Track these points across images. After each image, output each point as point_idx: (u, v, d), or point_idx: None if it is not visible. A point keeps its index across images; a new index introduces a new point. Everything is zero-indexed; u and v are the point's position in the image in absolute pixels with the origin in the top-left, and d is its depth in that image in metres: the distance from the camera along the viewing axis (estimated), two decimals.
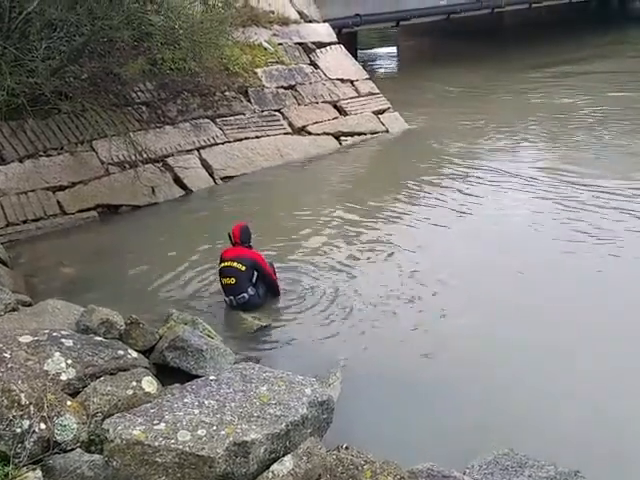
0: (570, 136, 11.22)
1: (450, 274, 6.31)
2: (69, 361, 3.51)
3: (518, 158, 10.18)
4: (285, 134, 10.60)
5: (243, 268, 5.76)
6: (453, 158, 10.11)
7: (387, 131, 11.72)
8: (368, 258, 6.87)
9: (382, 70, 20.00)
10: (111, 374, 3.54)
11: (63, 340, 3.78)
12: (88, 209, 7.88)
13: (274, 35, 11.92)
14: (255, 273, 5.82)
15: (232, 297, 5.76)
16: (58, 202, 7.77)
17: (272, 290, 6.01)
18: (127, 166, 8.38)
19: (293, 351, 5.24)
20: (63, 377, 3.42)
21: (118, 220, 7.93)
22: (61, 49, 7.69)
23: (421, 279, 6.26)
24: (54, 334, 3.87)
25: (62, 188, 7.89)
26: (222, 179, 9.33)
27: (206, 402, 3.12)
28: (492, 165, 9.75)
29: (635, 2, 25.70)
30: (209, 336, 4.87)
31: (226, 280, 5.79)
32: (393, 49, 23.38)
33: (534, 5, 20.16)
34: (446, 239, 7.26)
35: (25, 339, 3.65)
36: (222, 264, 5.85)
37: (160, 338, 4.44)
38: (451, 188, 8.82)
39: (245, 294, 5.74)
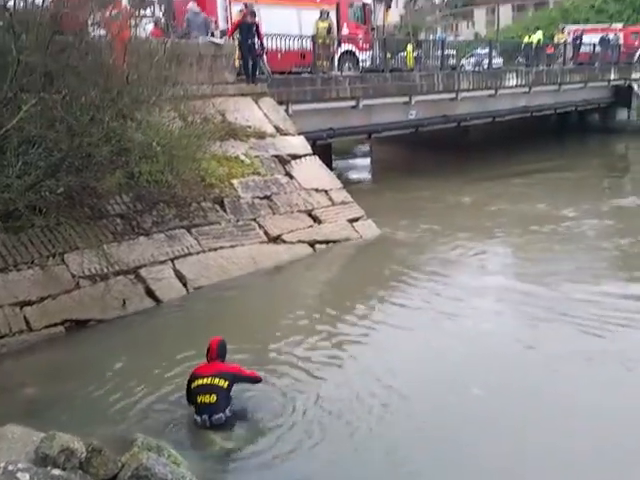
0: (541, 245, 11.44)
1: (420, 385, 6.32)
2: None
3: (488, 270, 10.28)
4: (260, 243, 10.68)
5: (225, 384, 5.58)
6: (424, 267, 10.24)
7: (361, 237, 11.90)
8: (342, 368, 6.83)
9: (356, 178, 20.64)
10: None
11: (19, 475, 3.63)
12: (55, 324, 7.71)
13: (251, 148, 12.28)
14: (233, 388, 5.66)
15: (207, 417, 5.50)
16: (25, 318, 7.59)
17: (256, 382, 5.91)
18: (98, 279, 8.30)
19: (264, 475, 5.03)
20: None
21: (85, 335, 7.74)
22: (38, 164, 7.77)
23: (397, 391, 6.20)
24: (10, 467, 3.70)
25: (30, 303, 7.74)
26: (195, 289, 9.27)
27: None
28: (462, 275, 9.86)
29: (593, 115, 27.28)
30: (175, 462, 4.68)
31: (204, 398, 5.53)
32: (366, 159, 24.28)
33: (497, 119, 21.29)
34: (415, 349, 7.25)
35: None
36: (199, 381, 5.62)
37: (123, 466, 4.25)
38: (422, 297, 8.90)
39: (223, 414, 5.52)
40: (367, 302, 8.87)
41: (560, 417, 5.73)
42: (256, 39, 13.60)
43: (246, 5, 14.22)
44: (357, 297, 9.06)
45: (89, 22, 9.09)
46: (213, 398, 5.53)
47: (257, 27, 13.71)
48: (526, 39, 24.84)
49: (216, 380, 5.57)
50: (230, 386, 5.62)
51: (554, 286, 9.04)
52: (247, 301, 9.12)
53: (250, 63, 13.58)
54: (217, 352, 5.77)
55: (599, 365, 6.71)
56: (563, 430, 5.52)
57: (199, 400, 5.59)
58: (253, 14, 13.79)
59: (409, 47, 20.20)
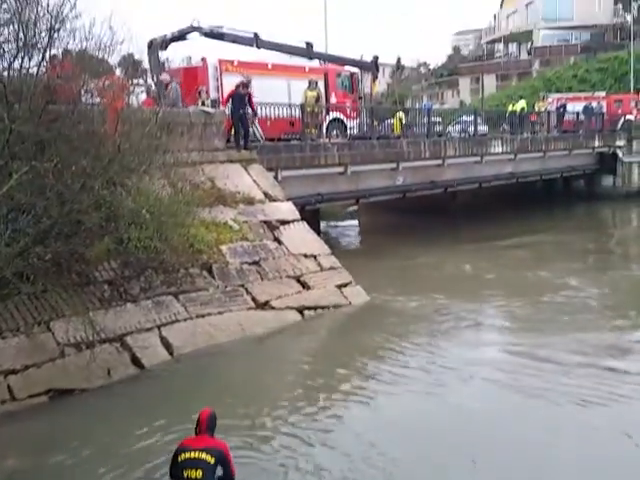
0: (533, 313, 11.32)
1: (413, 458, 6.21)
2: None
3: (481, 340, 10.18)
4: (248, 309, 10.60)
5: (212, 460, 5.34)
6: (414, 336, 10.14)
7: (350, 304, 11.83)
8: (331, 437, 6.71)
9: (344, 243, 20.74)
10: None
11: None
12: (39, 394, 7.56)
13: (240, 214, 12.34)
14: (220, 467, 5.47)
15: None
16: (9, 387, 7.46)
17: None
18: (83, 347, 8.20)
19: None
20: None
21: (69, 404, 7.58)
22: (27, 231, 7.77)
23: (384, 467, 6.07)
24: None
25: (14, 372, 7.62)
26: (181, 355, 9.14)
27: None
28: (453, 346, 9.71)
29: (579, 181, 27.77)
30: None
31: (190, 473, 5.26)
32: (354, 223, 24.47)
33: (484, 185, 21.62)
34: (406, 421, 7.10)
35: None
36: (186, 455, 5.38)
37: None
38: (413, 368, 8.78)
39: None
40: (356, 372, 8.77)
41: None
42: (248, 108, 14.00)
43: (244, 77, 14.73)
44: (346, 366, 8.94)
45: (82, 92, 9.29)
46: (199, 474, 5.31)
47: (249, 97, 14.12)
48: (510, 107, 25.52)
49: (203, 455, 5.37)
50: (217, 464, 5.43)
51: (549, 357, 8.90)
52: (234, 368, 9.00)
53: (242, 132, 13.89)
54: (207, 425, 5.58)
55: (597, 440, 6.57)
56: None
57: (185, 475, 5.37)
58: (245, 86, 14.23)
59: (400, 114, 20.51)
